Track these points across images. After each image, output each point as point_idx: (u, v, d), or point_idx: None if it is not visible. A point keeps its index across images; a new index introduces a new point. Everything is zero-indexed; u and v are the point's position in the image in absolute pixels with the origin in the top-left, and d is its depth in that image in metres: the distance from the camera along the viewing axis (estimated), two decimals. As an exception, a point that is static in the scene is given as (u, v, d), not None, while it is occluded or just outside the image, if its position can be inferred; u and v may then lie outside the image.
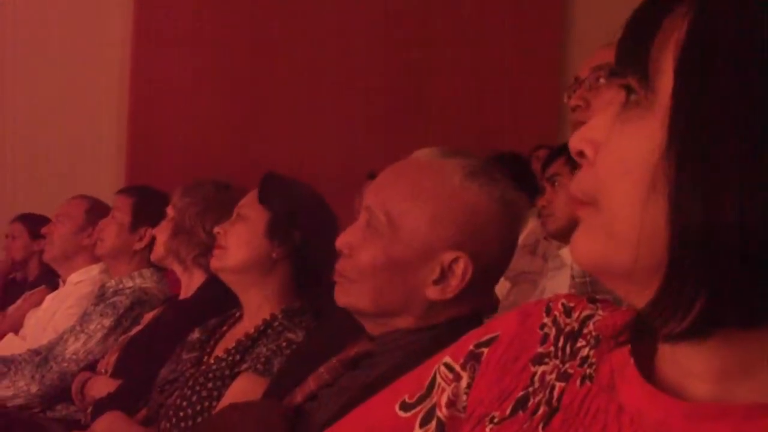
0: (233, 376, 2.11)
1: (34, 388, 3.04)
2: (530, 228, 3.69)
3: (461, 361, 0.96)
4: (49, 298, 3.74)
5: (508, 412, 0.88)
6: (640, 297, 0.73)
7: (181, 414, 2.11)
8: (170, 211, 2.90)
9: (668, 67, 0.70)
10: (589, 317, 0.89)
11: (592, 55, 2.13)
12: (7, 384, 3.06)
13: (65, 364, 3.06)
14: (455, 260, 1.51)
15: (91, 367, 3.01)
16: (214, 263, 2.29)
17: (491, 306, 1.84)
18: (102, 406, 2.56)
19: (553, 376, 0.87)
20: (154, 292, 3.29)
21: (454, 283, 1.51)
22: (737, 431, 0.71)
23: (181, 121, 6.06)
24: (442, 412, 0.95)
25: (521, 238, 2.44)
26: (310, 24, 6.39)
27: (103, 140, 6.09)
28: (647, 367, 0.79)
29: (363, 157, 6.05)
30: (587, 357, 0.86)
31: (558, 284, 2.67)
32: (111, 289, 3.29)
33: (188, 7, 6.18)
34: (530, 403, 0.87)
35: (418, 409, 0.97)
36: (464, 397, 0.94)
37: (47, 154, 5.96)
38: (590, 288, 2.36)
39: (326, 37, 6.41)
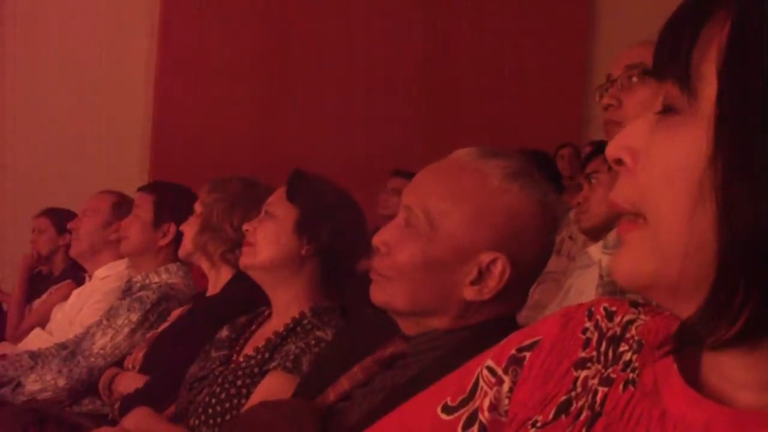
0: (262, 374, 2.11)
1: (61, 382, 3.05)
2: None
3: (503, 365, 0.95)
4: (75, 293, 3.75)
5: (550, 416, 0.88)
6: (684, 307, 0.73)
7: (210, 411, 2.12)
8: (198, 207, 2.92)
9: (710, 73, 0.70)
10: (631, 321, 0.89)
11: (623, 53, 2.12)
12: (35, 378, 3.08)
13: (93, 359, 3.07)
14: (493, 261, 1.51)
15: (119, 363, 3.03)
16: (244, 260, 2.30)
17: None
18: (129, 401, 2.57)
19: (596, 380, 0.87)
20: (180, 287, 3.29)
21: (492, 284, 1.51)
22: None
23: (206, 116, 6.09)
24: (484, 416, 0.95)
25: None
26: (338, 20, 6.41)
27: (128, 136, 6.12)
28: (691, 374, 0.79)
29: (387, 153, 6.07)
30: (630, 361, 0.85)
31: (585, 283, 2.65)
32: (138, 284, 3.29)
33: (214, 2, 6.20)
34: (573, 408, 0.87)
35: (460, 412, 0.96)
36: (506, 401, 0.94)
37: (73, 150, 6.00)
38: (618, 287, 2.35)
39: (353, 34, 6.43)
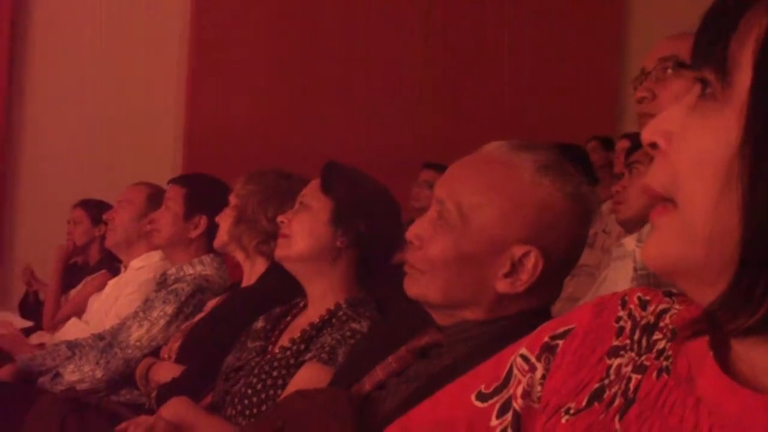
0: (298, 365, 2.12)
1: (99, 373, 3.08)
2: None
3: (536, 352, 0.96)
4: (111, 283, 3.78)
5: (584, 403, 0.88)
6: (707, 294, 0.74)
7: (246, 402, 2.14)
8: (233, 199, 2.94)
9: (747, 63, 0.70)
10: (665, 311, 0.89)
11: (658, 46, 2.11)
12: (73, 369, 3.11)
13: (129, 351, 3.09)
14: (526, 254, 1.51)
15: (155, 353, 3.05)
16: (279, 252, 2.30)
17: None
18: (166, 391, 2.59)
19: (629, 368, 0.87)
20: (214, 278, 3.31)
21: (525, 277, 1.51)
22: None
23: (238, 111, 6.11)
24: (517, 403, 0.95)
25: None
26: (367, 16, 6.40)
27: (162, 130, 6.16)
28: (724, 362, 0.79)
29: (418, 146, 6.07)
30: (663, 350, 0.86)
31: (620, 275, 2.63)
32: (172, 276, 3.31)
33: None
34: (606, 395, 0.87)
35: (495, 399, 0.97)
36: (539, 388, 0.95)
37: (109, 143, 6.05)
38: (652, 280, 2.34)
39: (382, 28, 6.42)
